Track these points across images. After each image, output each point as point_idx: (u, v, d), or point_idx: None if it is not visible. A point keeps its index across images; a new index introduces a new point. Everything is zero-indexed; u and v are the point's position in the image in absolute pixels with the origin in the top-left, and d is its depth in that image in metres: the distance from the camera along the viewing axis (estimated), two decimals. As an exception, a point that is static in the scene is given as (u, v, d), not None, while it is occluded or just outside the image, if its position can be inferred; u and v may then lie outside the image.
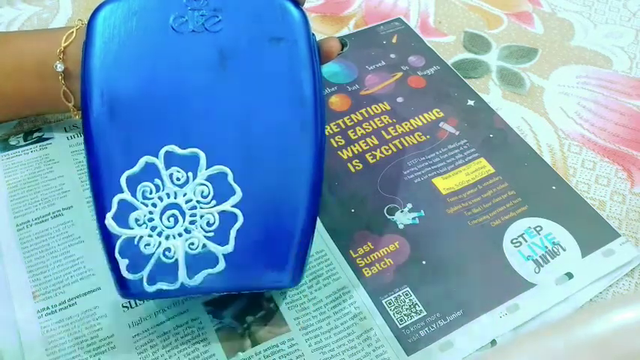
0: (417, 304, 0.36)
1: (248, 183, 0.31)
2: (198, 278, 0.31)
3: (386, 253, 0.38)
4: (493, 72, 0.51)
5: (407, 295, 0.36)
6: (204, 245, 0.31)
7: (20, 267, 0.37)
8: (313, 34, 0.34)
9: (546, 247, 0.39)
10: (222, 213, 0.31)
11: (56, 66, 0.38)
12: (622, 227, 0.40)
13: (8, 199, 0.40)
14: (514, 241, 0.39)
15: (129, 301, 0.36)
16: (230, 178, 0.31)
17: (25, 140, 0.44)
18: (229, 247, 0.31)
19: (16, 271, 0.37)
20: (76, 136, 0.44)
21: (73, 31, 0.38)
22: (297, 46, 0.33)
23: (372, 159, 0.44)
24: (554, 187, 0.42)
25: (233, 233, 0.31)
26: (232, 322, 0.35)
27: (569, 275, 0.37)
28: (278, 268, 0.31)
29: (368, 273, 0.37)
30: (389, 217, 0.40)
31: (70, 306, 0.35)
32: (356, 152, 0.44)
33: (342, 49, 0.37)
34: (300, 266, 0.32)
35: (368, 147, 0.44)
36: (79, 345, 0.34)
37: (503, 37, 0.55)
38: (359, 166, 0.43)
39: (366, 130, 0.46)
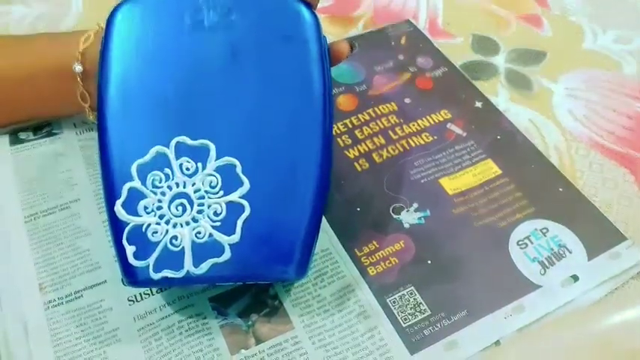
0: (421, 303, 0.36)
1: (256, 175, 0.32)
2: (204, 267, 0.31)
3: (391, 252, 0.38)
4: (501, 74, 0.51)
5: (411, 294, 0.36)
6: (210, 234, 0.31)
7: (27, 259, 0.37)
8: (324, 36, 0.34)
9: (552, 249, 0.38)
10: (229, 203, 0.31)
11: (75, 67, 0.38)
12: (628, 230, 0.40)
13: (17, 192, 0.40)
14: (520, 242, 0.39)
15: (134, 295, 0.36)
16: (239, 169, 0.32)
17: (34, 134, 0.44)
18: (235, 237, 0.31)
19: (23, 263, 0.37)
20: (84, 131, 0.45)
21: (90, 34, 0.39)
22: (308, 46, 0.33)
23: (378, 158, 0.44)
24: (560, 190, 0.42)
25: (240, 223, 0.31)
26: (237, 319, 0.35)
27: (575, 278, 0.37)
28: (283, 260, 0.32)
29: (373, 272, 0.37)
30: (394, 216, 0.40)
31: (76, 298, 0.36)
32: (362, 152, 0.44)
33: (351, 51, 0.38)
34: (305, 259, 0.32)
35: (375, 146, 0.45)
36: (85, 337, 0.34)
37: (512, 39, 0.55)
38: (365, 166, 0.43)
39: (373, 130, 0.46)
